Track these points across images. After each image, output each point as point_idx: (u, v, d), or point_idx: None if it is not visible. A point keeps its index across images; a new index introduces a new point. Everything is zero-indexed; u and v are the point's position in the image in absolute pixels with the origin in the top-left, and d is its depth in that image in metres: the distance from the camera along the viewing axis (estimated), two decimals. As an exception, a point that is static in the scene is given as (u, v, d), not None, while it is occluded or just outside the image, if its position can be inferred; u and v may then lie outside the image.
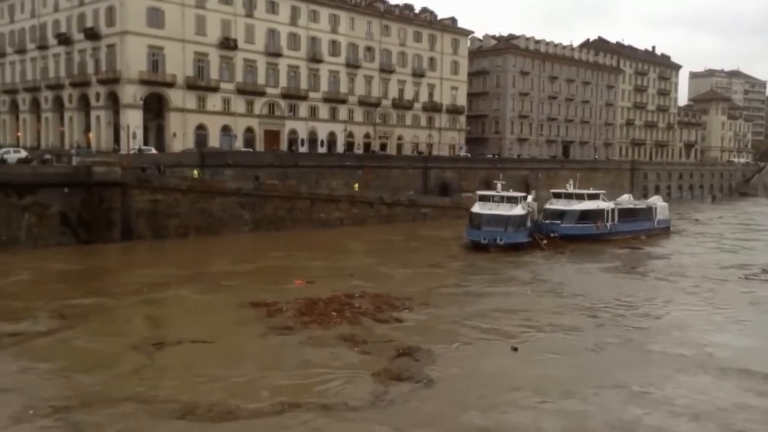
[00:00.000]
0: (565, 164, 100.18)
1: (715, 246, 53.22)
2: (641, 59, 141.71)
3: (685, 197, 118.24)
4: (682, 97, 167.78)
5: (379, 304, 28.34)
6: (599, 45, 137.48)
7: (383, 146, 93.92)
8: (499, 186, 51.00)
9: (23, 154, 54.88)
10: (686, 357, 22.26)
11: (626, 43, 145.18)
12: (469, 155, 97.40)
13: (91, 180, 43.80)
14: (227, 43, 75.09)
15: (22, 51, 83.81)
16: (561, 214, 51.71)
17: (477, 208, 49.01)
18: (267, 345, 22.76)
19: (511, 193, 50.49)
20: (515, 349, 22.43)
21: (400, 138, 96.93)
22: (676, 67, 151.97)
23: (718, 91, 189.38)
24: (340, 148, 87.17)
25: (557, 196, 55.13)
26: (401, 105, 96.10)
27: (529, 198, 53.89)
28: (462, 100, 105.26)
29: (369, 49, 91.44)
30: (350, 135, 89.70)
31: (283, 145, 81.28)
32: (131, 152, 57.16)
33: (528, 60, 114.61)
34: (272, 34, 79.82)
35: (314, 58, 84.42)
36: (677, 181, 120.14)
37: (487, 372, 20.32)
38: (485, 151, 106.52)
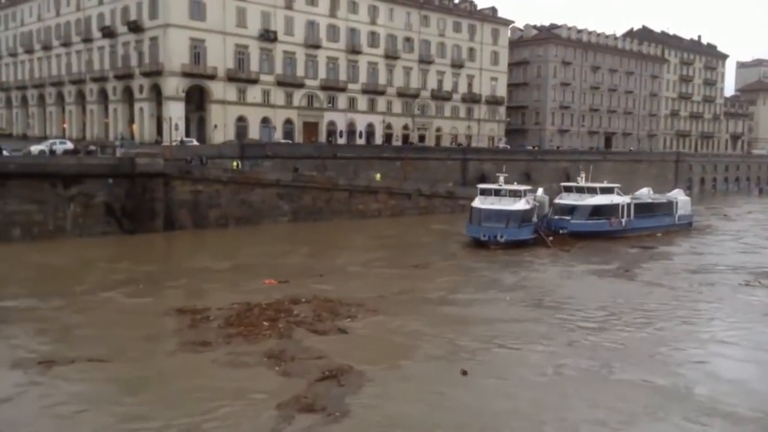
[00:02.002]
0: (607, 156, 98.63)
1: (736, 245, 49.03)
2: (687, 48, 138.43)
3: (731, 189, 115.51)
4: (729, 87, 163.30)
5: (322, 311, 25.47)
6: (643, 34, 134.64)
7: (422, 138, 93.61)
8: (501, 179, 47.23)
9: (69, 145, 56.10)
10: (659, 391, 18.37)
11: (671, 32, 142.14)
12: (509, 147, 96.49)
13: (135, 171, 44.58)
14: (267, 35, 75.57)
15: (67, 44, 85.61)
16: (571, 210, 48.34)
17: (477, 202, 45.67)
18: (171, 366, 19.93)
19: (514, 187, 46.67)
20: (464, 373, 19.16)
21: (438, 129, 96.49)
22: (723, 57, 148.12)
23: (767, 81, 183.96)
24: (378, 139, 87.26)
25: (568, 189, 51.53)
26: (440, 96, 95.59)
27: (539, 191, 51.66)
28: (502, 91, 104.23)
29: (408, 39, 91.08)
30: (389, 126, 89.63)
31: (322, 137, 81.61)
32: (173, 144, 58.00)
33: (570, 50, 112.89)
34: (311, 25, 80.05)
35: (353, 50, 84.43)
36: (723, 173, 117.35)
37: (415, 405, 17.08)
38: (525, 142, 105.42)
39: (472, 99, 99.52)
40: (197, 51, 70.88)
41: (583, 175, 52.62)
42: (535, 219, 46.12)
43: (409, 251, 41.93)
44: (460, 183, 71.73)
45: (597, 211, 48.69)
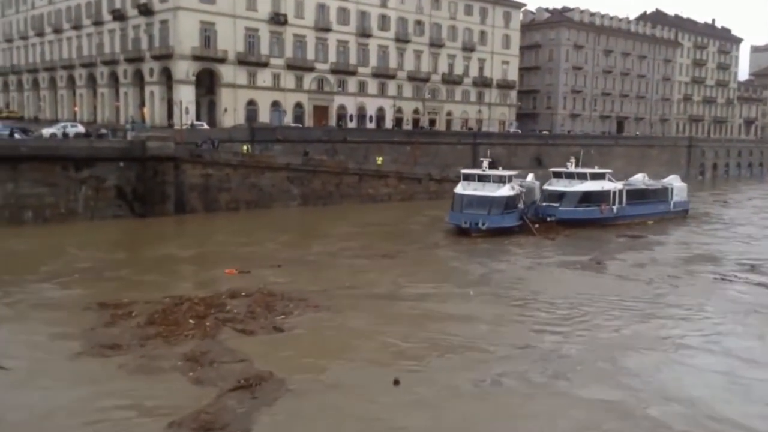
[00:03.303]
0: (619, 140, 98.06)
1: (728, 234, 47.17)
2: (700, 32, 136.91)
3: (744, 175, 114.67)
4: (743, 71, 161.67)
5: (258, 307, 23.63)
6: (657, 17, 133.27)
7: (432, 122, 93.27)
8: (485, 164, 45.27)
9: (81, 128, 56.26)
10: (603, 408, 16.41)
11: (685, 15, 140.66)
12: (520, 131, 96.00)
13: (146, 154, 44.69)
14: (277, 18, 75.25)
15: (78, 27, 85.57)
16: (560, 196, 46.71)
17: (459, 188, 44.10)
18: (66, 373, 17.92)
19: (498, 172, 45.14)
20: (396, 383, 17.28)
21: (449, 114, 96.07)
22: (737, 41, 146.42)
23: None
24: (388, 123, 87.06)
25: (557, 175, 49.55)
26: (451, 80, 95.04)
27: (529, 177, 50.48)
28: (513, 75, 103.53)
29: (419, 23, 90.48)
30: (399, 110, 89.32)
31: (332, 121, 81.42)
32: (184, 127, 58.07)
33: (582, 33, 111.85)
34: (321, 8, 79.62)
35: (363, 33, 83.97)
36: (736, 158, 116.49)
37: (329, 425, 15.39)
38: (536, 127, 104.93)
39: (483, 83, 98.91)
40: (207, 34, 70.70)
41: (573, 160, 50.53)
42: (521, 206, 44.51)
43: (389, 239, 40.36)
44: (470, 168, 71.35)
45: (587, 197, 47.08)
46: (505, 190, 42.92)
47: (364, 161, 60.51)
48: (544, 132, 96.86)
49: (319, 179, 54.49)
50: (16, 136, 47.33)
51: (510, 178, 44.64)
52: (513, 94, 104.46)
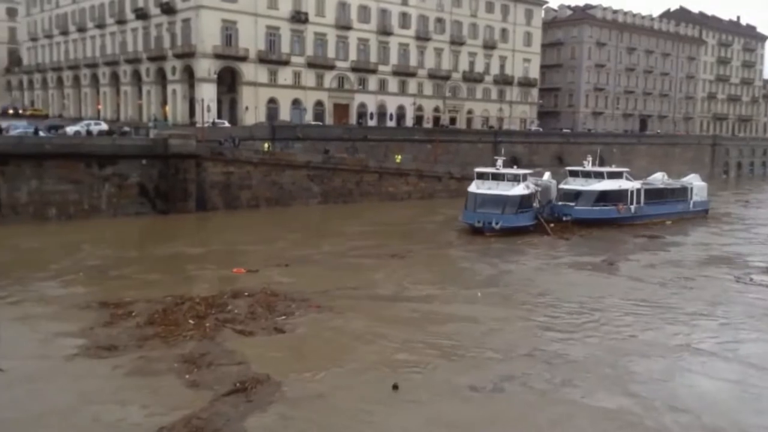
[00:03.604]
0: (641, 139, 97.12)
1: (748, 235, 45.72)
2: (725, 30, 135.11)
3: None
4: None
5: (259, 307, 23.24)
6: (680, 15, 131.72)
7: (453, 120, 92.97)
8: (499, 162, 44.89)
9: (104, 126, 56.87)
10: (607, 418, 15.83)
11: (709, 12, 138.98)
12: (541, 129, 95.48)
13: (168, 152, 45.01)
14: (298, 17, 75.43)
15: (102, 26, 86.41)
16: (576, 195, 45.92)
17: (473, 187, 43.62)
18: (63, 375, 17.55)
19: (513, 171, 44.90)
20: (395, 388, 16.72)
21: (470, 112, 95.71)
22: (762, 38, 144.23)
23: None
24: (409, 121, 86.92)
25: (573, 174, 48.66)
26: (471, 78, 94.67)
27: (546, 176, 49.97)
28: (534, 73, 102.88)
29: (439, 20, 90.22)
30: (419, 108, 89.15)
31: (352, 119, 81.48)
32: (205, 125, 58.45)
33: (605, 30, 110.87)
34: (342, 6, 79.66)
35: (384, 31, 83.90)
36: (761, 157, 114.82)
37: (323, 429, 14.95)
38: (558, 125, 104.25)
39: (504, 81, 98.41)
40: (229, 33, 71.06)
41: (589, 158, 49.67)
42: (536, 205, 43.99)
43: (402, 238, 39.95)
44: (490, 166, 71.11)
45: (603, 196, 46.18)
46: (520, 189, 42.45)
47: (384, 159, 60.48)
48: (566, 130, 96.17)
49: (339, 177, 54.55)
50: (41, 134, 47.89)
51: (525, 177, 44.22)
52: (534, 92, 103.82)
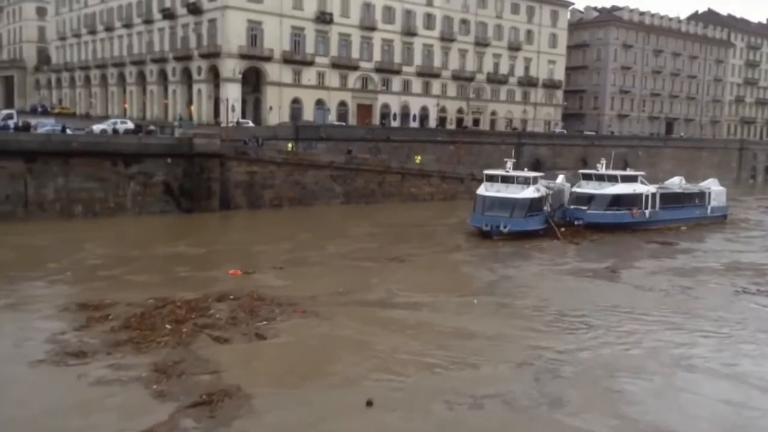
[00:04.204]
0: (667, 142, 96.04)
1: (766, 243, 44.18)
2: (754, 32, 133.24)
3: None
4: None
5: (241, 312, 22.45)
6: (708, 17, 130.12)
7: (476, 122, 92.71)
8: (508, 164, 43.70)
9: (130, 124, 57.47)
10: None
11: (738, 15, 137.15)
12: (565, 131, 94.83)
13: (192, 151, 45.34)
14: (323, 17, 75.69)
15: (129, 25, 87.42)
16: (589, 199, 44.74)
17: (482, 189, 42.57)
18: (24, 383, 16.78)
19: (523, 173, 43.56)
20: (369, 404, 15.87)
21: (493, 113, 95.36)
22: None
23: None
24: (432, 122, 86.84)
25: (587, 177, 47.57)
26: (496, 79, 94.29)
27: (560, 178, 48.99)
28: (560, 75, 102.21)
29: (464, 22, 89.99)
30: (443, 110, 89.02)
31: (376, 119, 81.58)
32: (230, 125, 58.84)
33: (631, 32, 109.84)
34: (367, 7, 79.79)
35: (408, 32, 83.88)
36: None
37: None
38: (583, 127, 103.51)
39: (528, 82, 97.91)
40: (254, 33, 71.51)
41: (603, 161, 48.40)
42: (546, 208, 42.96)
43: (410, 241, 39.06)
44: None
45: (617, 200, 45.00)
46: (529, 192, 41.37)
47: (406, 160, 60.46)
48: (590, 133, 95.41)
49: (361, 178, 54.60)
50: (68, 131, 48.50)
51: (536, 180, 43.29)
52: (559, 93, 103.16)
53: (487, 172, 44.78)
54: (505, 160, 45.07)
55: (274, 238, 38.83)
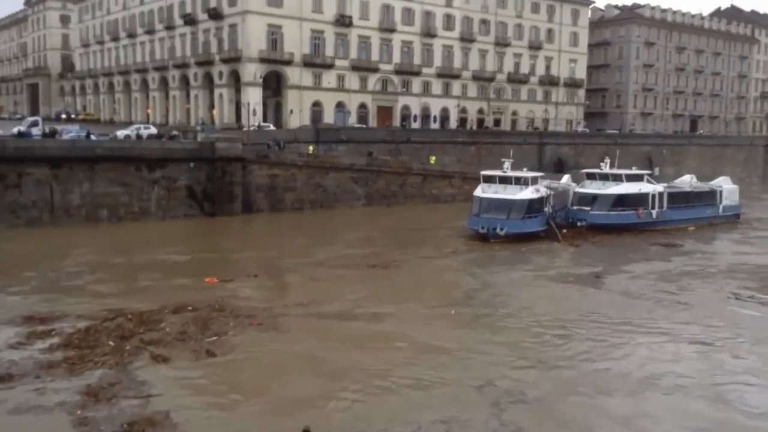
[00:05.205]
0: (692, 140, 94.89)
1: None
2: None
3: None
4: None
5: (194, 325, 21.03)
6: (732, 13, 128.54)
7: (497, 122, 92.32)
8: (506, 165, 42.12)
9: (153, 130, 57.99)
10: None
11: (761, 10, 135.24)
12: (588, 131, 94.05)
13: (215, 155, 45.67)
14: (342, 20, 75.86)
15: (151, 32, 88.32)
16: (592, 199, 43.20)
17: (479, 191, 41.18)
18: None
19: (522, 173, 41.79)
20: None
21: (514, 113, 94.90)
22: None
23: None
24: (452, 124, 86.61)
25: (591, 177, 45.86)
26: (516, 79, 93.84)
27: (565, 178, 47.89)
28: (581, 73, 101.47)
29: (484, 22, 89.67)
30: (463, 111, 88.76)
31: (396, 121, 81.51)
32: (251, 129, 59.15)
33: (653, 30, 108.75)
34: (386, 9, 79.83)
35: (428, 33, 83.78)
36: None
37: None
38: (605, 126, 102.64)
39: (549, 82, 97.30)
40: (274, 37, 71.88)
41: (607, 160, 46.78)
42: (548, 209, 41.51)
43: (404, 245, 37.64)
44: (536, 168, 70.34)
45: (621, 200, 43.33)
46: (527, 193, 39.91)
47: (427, 162, 60.34)
48: (614, 131, 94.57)
49: (383, 179, 54.60)
50: (92, 137, 49.04)
51: (535, 180, 41.83)
52: (581, 92, 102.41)
53: (484, 172, 43.22)
54: (503, 160, 43.54)
55: (269, 243, 38.19)
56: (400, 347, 19.99)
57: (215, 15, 74.33)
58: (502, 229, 38.19)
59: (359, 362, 18.50)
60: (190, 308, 22.84)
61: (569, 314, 23.91)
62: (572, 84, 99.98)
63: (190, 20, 79.33)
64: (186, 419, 14.87)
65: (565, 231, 40.87)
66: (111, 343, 19.38)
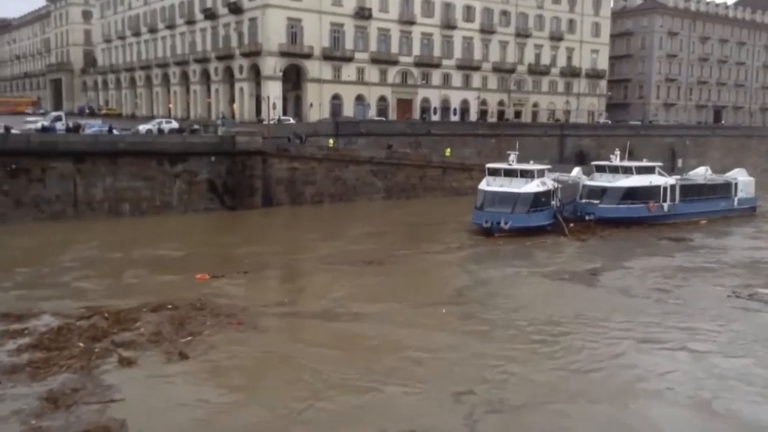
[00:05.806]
0: (715, 131, 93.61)
1: None
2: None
3: None
4: None
5: (169, 325, 20.22)
6: (756, 2, 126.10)
7: (518, 114, 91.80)
8: (512, 157, 40.93)
9: (175, 124, 58.40)
10: None
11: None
12: (609, 122, 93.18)
13: (235, 149, 45.85)
14: (362, 13, 75.76)
15: (172, 26, 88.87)
16: (601, 192, 42.12)
17: (483, 184, 40.14)
18: None
19: (528, 166, 40.76)
20: None
21: (535, 105, 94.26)
22: None
23: None
24: (473, 116, 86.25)
25: (600, 169, 44.74)
26: (537, 70, 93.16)
27: (575, 171, 47.00)
28: (603, 64, 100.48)
29: (504, 13, 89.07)
30: (483, 103, 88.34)
31: (416, 114, 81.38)
32: (271, 122, 59.36)
33: (677, 20, 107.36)
34: (406, 1, 79.59)
35: (448, 25, 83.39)
36: None
37: None
38: (627, 117, 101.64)
39: (571, 73, 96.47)
40: (294, 31, 71.99)
41: (617, 152, 45.69)
42: (554, 203, 40.22)
43: (408, 240, 36.74)
44: (557, 160, 69.87)
45: (631, 193, 42.06)
46: (533, 186, 38.85)
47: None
48: (636, 122, 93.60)
49: (402, 172, 54.51)
50: (115, 132, 49.54)
51: (542, 173, 40.73)
52: (603, 83, 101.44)
53: (489, 165, 42.28)
54: (508, 152, 42.39)
55: (277, 238, 37.69)
56: (379, 349, 19.03)
57: (235, 9, 74.60)
58: (506, 223, 37.31)
59: (338, 366, 17.59)
60: (170, 306, 22.01)
61: (563, 314, 22.82)
62: (594, 75, 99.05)
63: (210, 14, 79.68)
64: (143, 427, 14.12)
65: (572, 225, 39.92)
66: (81, 344, 18.53)
